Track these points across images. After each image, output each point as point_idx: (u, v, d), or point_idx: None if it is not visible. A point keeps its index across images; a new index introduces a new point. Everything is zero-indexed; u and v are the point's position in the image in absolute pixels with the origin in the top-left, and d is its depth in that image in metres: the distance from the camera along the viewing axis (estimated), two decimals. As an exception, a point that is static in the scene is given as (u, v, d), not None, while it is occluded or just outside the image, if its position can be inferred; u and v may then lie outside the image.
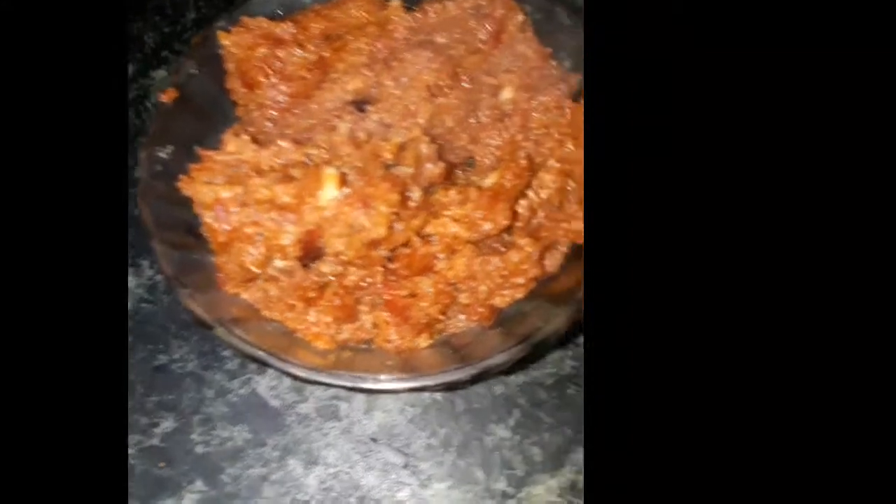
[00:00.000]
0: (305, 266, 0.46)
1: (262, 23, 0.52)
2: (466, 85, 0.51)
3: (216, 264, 0.47)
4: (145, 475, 0.50)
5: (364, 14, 0.54)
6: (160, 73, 0.68)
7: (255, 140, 0.46)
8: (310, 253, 0.45)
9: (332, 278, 0.46)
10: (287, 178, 0.44)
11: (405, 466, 0.51)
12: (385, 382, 0.43)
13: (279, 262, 0.45)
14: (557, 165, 0.49)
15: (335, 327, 0.46)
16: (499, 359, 0.43)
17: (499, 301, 0.47)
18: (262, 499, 0.50)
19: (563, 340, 0.53)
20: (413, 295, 0.46)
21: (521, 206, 0.49)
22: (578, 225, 0.49)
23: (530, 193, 0.49)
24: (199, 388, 0.53)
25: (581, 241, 0.49)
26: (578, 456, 0.51)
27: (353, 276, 0.46)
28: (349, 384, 0.43)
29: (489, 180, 0.48)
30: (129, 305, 0.56)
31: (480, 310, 0.47)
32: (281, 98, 0.51)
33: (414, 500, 0.50)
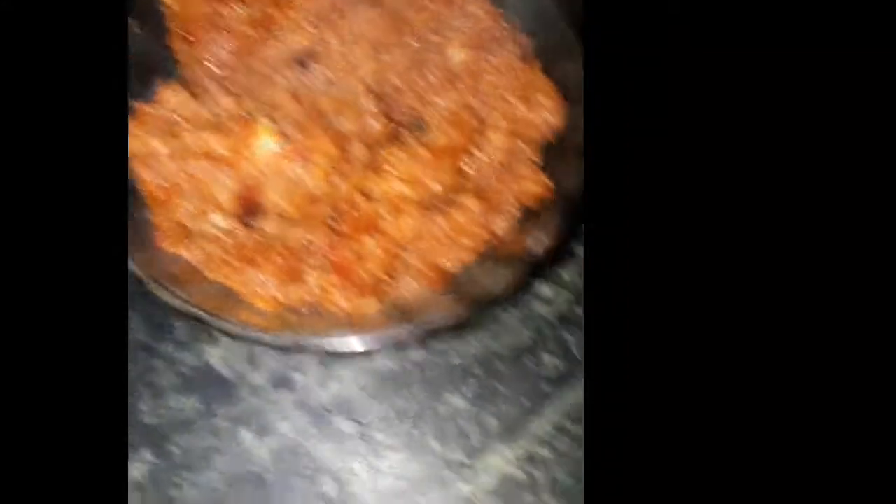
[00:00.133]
0: (247, 225, 0.45)
1: (205, -21, 0.50)
2: (413, 43, 0.49)
3: (153, 222, 0.46)
4: (92, 447, 0.49)
5: (310, -30, 0.52)
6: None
7: (193, 95, 0.45)
8: (249, 209, 0.44)
9: (275, 238, 0.45)
10: (223, 131, 0.43)
11: (360, 437, 0.50)
12: (325, 341, 0.42)
13: (220, 221, 0.44)
14: (506, 125, 0.48)
15: (279, 289, 0.45)
16: (443, 318, 0.42)
17: (446, 263, 0.46)
18: (212, 470, 0.49)
19: (510, 301, 0.52)
20: (359, 256, 0.45)
21: (469, 167, 0.48)
22: (528, 186, 0.48)
23: (478, 154, 0.48)
24: (148, 358, 0.52)
25: (530, 202, 0.48)
26: (535, 427, 0.50)
27: (297, 235, 0.45)
28: (287, 344, 0.42)
29: (434, 138, 0.47)
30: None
31: (428, 273, 0.46)
32: (224, 55, 0.50)
33: (368, 470, 0.50)
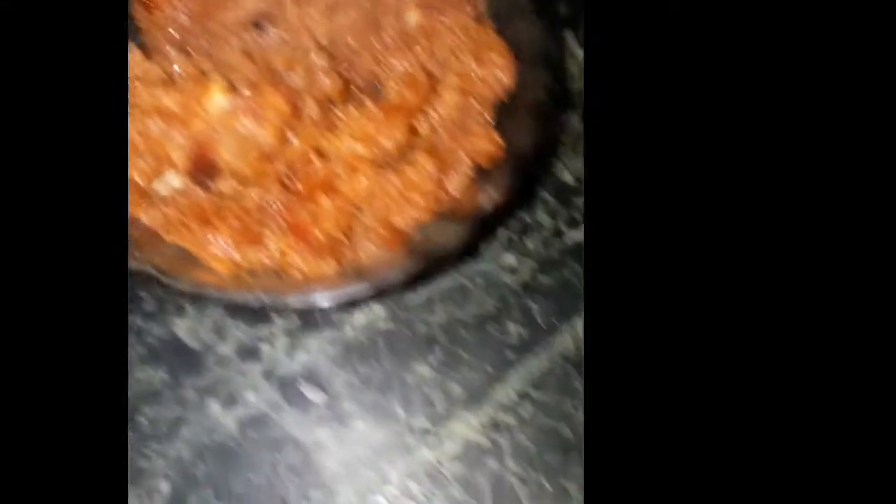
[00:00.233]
0: (203, 185, 0.45)
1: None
2: (368, 5, 0.49)
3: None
4: (59, 418, 0.50)
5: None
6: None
7: (146, 56, 0.45)
8: (203, 168, 0.44)
9: (231, 198, 0.46)
10: (176, 88, 0.44)
11: (326, 406, 0.51)
12: (274, 298, 0.42)
13: (175, 181, 0.44)
14: (459, 84, 0.48)
15: (237, 251, 0.45)
16: (392, 273, 0.42)
17: (399, 222, 0.46)
18: (179, 440, 0.50)
19: (462, 256, 0.52)
20: (315, 216, 0.45)
21: (422, 125, 0.48)
22: (479, 144, 0.48)
23: (431, 112, 0.48)
24: (115, 330, 0.52)
25: (482, 160, 0.48)
26: (498, 393, 0.51)
27: (253, 195, 0.45)
28: (238, 301, 0.42)
29: (389, 97, 0.47)
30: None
31: (382, 231, 0.46)
32: (182, 18, 0.50)
33: (334, 438, 0.50)
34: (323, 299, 0.44)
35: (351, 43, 0.50)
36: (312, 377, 0.51)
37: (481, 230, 0.45)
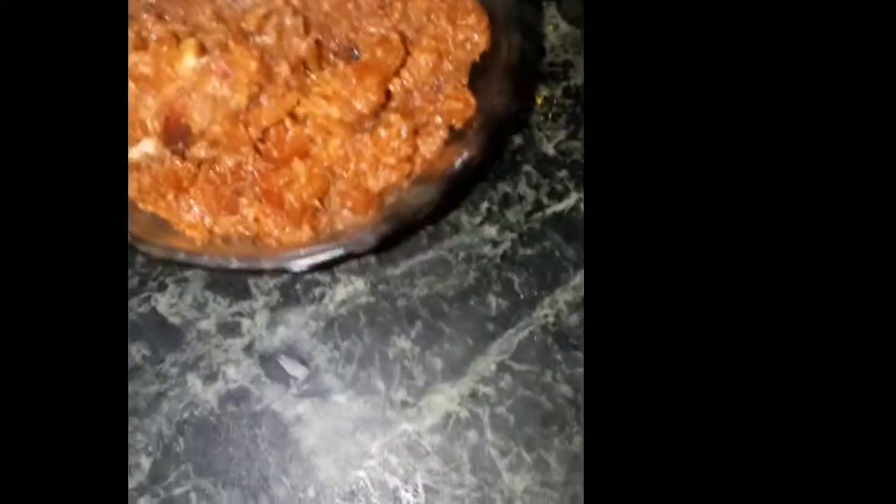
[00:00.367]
0: (176, 151, 0.45)
1: None
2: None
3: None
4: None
5: None
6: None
7: None
8: (176, 132, 0.44)
9: (205, 164, 0.46)
10: (148, 51, 0.44)
11: (306, 380, 0.51)
12: (243, 263, 0.42)
13: (149, 147, 0.44)
14: (433, 46, 0.47)
15: (210, 218, 0.45)
16: (366, 237, 0.42)
17: (373, 185, 0.46)
18: (159, 415, 0.50)
19: (432, 218, 0.52)
20: (289, 182, 0.45)
21: (395, 87, 0.48)
22: (452, 105, 0.47)
23: (405, 74, 0.48)
24: (95, 306, 0.52)
25: (455, 120, 0.48)
26: (479, 366, 0.50)
27: (228, 161, 0.45)
28: (207, 264, 0.42)
29: (363, 60, 0.47)
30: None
31: (355, 194, 0.45)
32: None
33: (314, 411, 0.50)
34: (297, 264, 0.44)
35: (326, 7, 0.49)
36: (293, 352, 0.51)
37: (453, 189, 0.44)
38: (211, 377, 0.51)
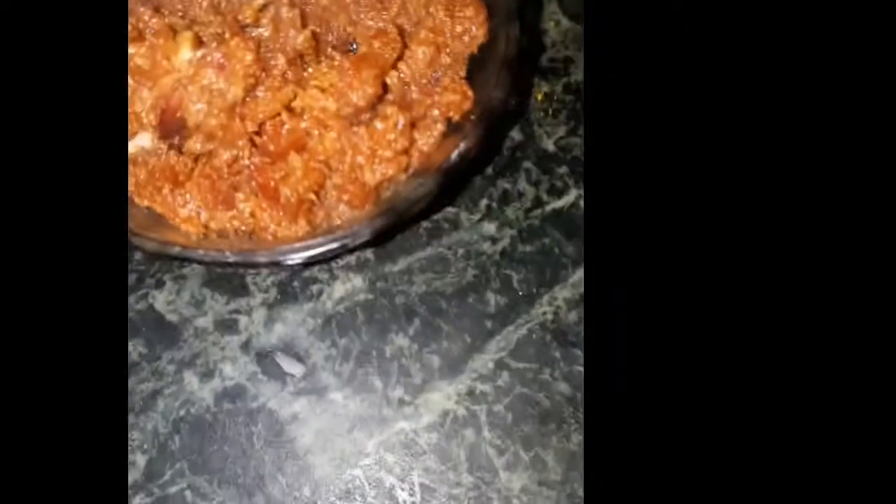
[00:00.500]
0: (172, 145, 0.45)
1: None
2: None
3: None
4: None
5: None
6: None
7: None
8: (171, 125, 0.44)
9: (201, 158, 0.46)
10: (144, 44, 0.44)
11: (303, 377, 0.50)
12: (238, 257, 0.42)
13: (145, 141, 0.44)
14: (431, 38, 0.47)
15: (206, 213, 0.45)
16: (361, 230, 0.41)
17: (370, 178, 0.45)
18: (155, 412, 0.49)
19: (429, 212, 0.52)
20: (285, 176, 0.45)
21: (393, 79, 0.47)
22: (450, 97, 0.47)
23: (403, 67, 0.47)
24: (92, 303, 0.52)
25: (452, 113, 0.47)
26: (476, 363, 0.50)
27: (223, 154, 0.45)
28: (202, 258, 0.42)
29: (361, 53, 0.47)
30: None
31: (351, 188, 0.45)
32: None
33: (311, 409, 0.49)
34: (292, 258, 0.43)
35: (325, 1, 0.49)
36: (290, 349, 0.51)
37: (450, 182, 0.43)
38: (207, 374, 0.50)
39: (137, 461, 0.48)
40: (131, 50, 0.44)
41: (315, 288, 0.52)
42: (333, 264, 0.52)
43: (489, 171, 0.54)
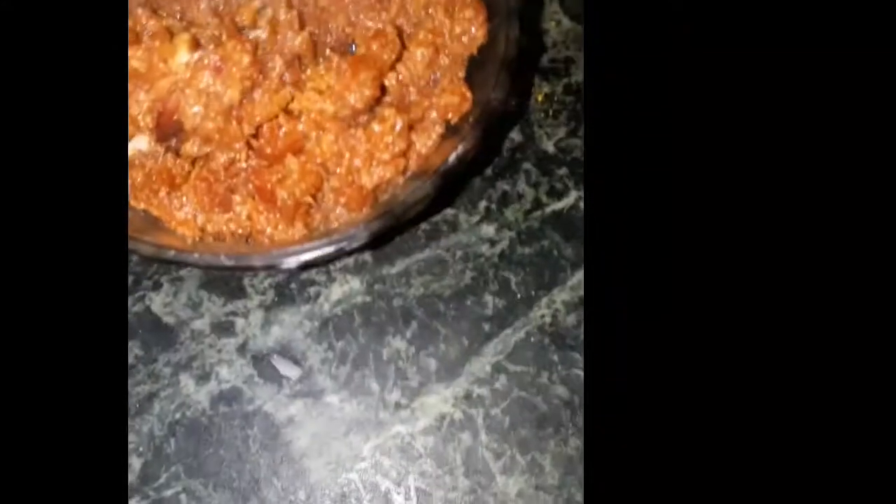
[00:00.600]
0: (169, 147, 0.45)
1: None
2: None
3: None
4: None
5: None
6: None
7: None
8: (167, 128, 0.44)
9: (198, 161, 0.45)
10: (141, 46, 0.43)
11: (299, 380, 0.50)
12: (234, 260, 0.41)
13: (141, 143, 0.44)
14: (430, 39, 0.47)
15: (203, 216, 0.45)
16: (358, 234, 0.41)
17: (367, 181, 0.45)
18: (150, 415, 0.49)
19: (427, 215, 0.51)
20: (282, 178, 0.44)
21: (391, 81, 0.47)
22: (449, 99, 0.46)
23: (401, 69, 0.47)
24: (88, 304, 0.52)
25: (451, 115, 0.47)
26: (474, 366, 0.49)
27: (220, 157, 0.45)
28: (197, 262, 0.41)
29: (358, 55, 0.46)
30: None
31: (349, 190, 0.45)
32: None
33: (306, 412, 0.49)
34: (288, 262, 0.43)
35: (323, 1, 0.49)
36: (286, 351, 0.51)
37: (447, 185, 0.43)
38: (203, 377, 0.50)
39: (133, 464, 0.48)
40: (128, 52, 0.44)
41: (312, 290, 0.52)
42: (331, 266, 0.52)
43: (488, 172, 0.53)
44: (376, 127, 0.44)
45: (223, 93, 0.43)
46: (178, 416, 0.49)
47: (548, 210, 0.53)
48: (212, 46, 0.44)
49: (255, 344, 0.51)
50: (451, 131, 0.46)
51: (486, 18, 0.47)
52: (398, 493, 0.47)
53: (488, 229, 0.52)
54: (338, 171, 0.45)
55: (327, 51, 0.48)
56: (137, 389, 0.50)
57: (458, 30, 0.47)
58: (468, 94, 0.46)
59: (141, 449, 0.48)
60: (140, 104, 0.44)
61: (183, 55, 0.44)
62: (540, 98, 0.56)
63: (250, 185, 0.46)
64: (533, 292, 0.50)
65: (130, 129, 0.45)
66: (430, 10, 0.48)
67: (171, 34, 0.45)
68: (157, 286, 0.52)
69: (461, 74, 0.47)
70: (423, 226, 0.52)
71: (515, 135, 0.54)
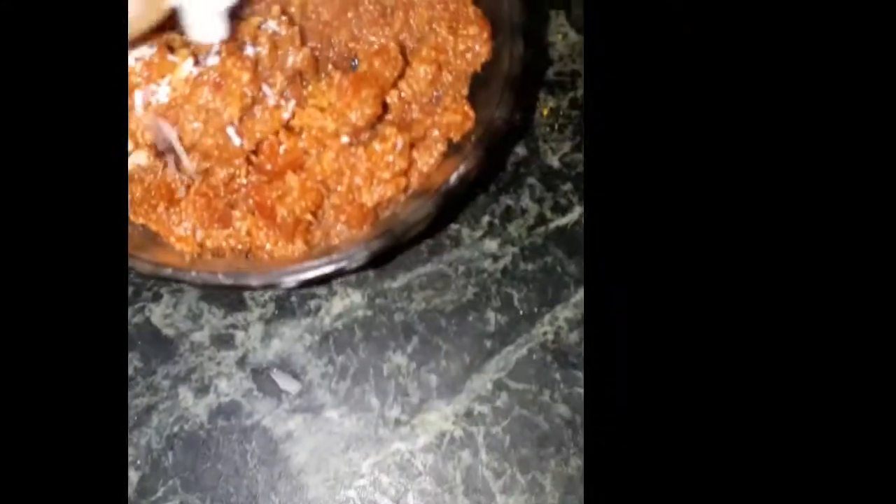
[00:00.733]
0: (167, 164, 0.45)
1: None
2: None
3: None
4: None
5: None
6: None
7: None
8: (167, 143, 0.43)
9: (197, 176, 0.45)
10: (140, 61, 0.43)
11: (299, 395, 0.49)
12: (231, 279, 0.41)
13: (140, 158, 0.44)
14: (433, 56, 0.46)
15: (202, 231, 0.44)
16: (358, 252, 0.41)
17: (368, 199, 0.44)
18: (149, 427, 0.49)
19: (428, 233, 0.50)
20: (282, 195, 0.44)
21: (393, 98, 0.46)
22: (451, 117, 0.46)
23: (403, 86, 0.46)
24: (88, 316, 0.52)
25: (453, 133, 0.46)
26: (475, 383, 0.49)
27: (220, 173, 0.45)
28: (194, 280, 0.41)
29: (361, 71, 0.46)
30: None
31: (349, 208, 0.44)
32: None
33: (305, 428, 0.49)
34: (286, 281, 0.42)
35: (326, 16, 0.48)
36: (286, 365, 0.50)
37: (449, 204, 0.43)
38: (202, 390, 0.50)
39: (130, 477, 0.48)
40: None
41: (313, 303, 0.51)
42: (332, 280, 0.51)
43: (492, 187, 0.53)
44: (377, 146, 0.44)
45: (222, 109, 0.43)
46: (176, 429, 0.49)
47: (551, 226, 0.52)
48: (213, 61, 0.44)
49: (255, 357, 0.50)
50: (453, 150, 0.46)
51: (490, 35, 0.47)
52: (397, 512, 0.46)
53: (491, 244, 0.52)
54: (338, 188, 0.45)
55: (329, 66, 0.48)
56: (136, 402, 0.49)
57: (461, 46, 0.47)
58: (471, 113, 0.45)
59: (138, 462, 0.48)
60: (140, 120, 0.44)
61: (183, 71, 0.43)
62: (545, 112, 0.55)
63: (250, 201, 0.45)
64: (535, 309, 0.50)
65: (130, 144, 0.44)
66: (434, 26, 0.47)
67: (170, 49, 0.45)
68: (156, 297, 0.52)
69: (464, 92, 0.47)
70: (426, 241, 0.52)
71: (520, 149, 0.54)
